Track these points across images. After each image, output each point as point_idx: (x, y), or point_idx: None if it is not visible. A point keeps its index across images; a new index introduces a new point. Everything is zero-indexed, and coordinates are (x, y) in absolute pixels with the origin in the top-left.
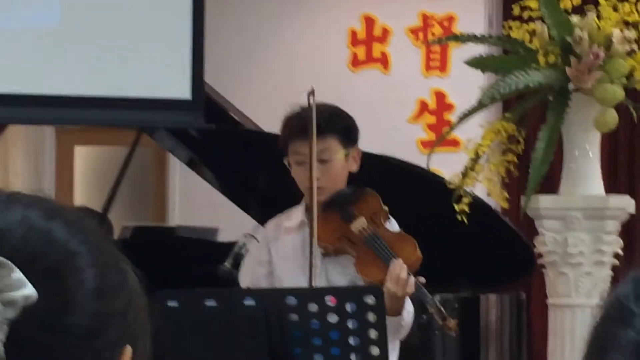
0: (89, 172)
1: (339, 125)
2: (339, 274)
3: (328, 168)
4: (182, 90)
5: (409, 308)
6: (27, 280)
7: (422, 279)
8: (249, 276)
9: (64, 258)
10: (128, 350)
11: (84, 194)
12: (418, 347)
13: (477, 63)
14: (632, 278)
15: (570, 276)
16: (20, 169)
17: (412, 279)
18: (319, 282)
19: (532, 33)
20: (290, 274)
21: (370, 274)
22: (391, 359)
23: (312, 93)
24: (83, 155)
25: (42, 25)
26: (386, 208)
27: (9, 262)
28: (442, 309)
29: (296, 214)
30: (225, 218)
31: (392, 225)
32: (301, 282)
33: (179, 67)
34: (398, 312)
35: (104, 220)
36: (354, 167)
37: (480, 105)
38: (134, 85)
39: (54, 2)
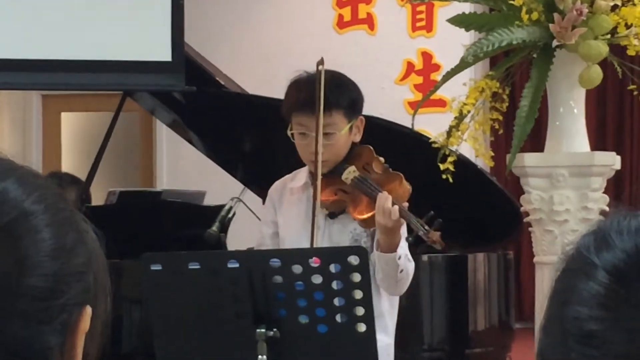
0: (75, 138)
1: (345, 99)
2: (341, 232)
3: (332, 142)
4: (162, 52)
5: (409, 256)
6: None
7: (405, 204)
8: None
9: (19, 218)
10: (88, 310)
11: (71, 160)
12: (406, 308)
13: (459, 21)
14: (592, 229)
15: (557, 234)
16: (7, 137)
17: (395, 207)
18: (323, 242)
19: None
20: (294, 235)
21: (362, 212)
22: (390, 320)
23: (321, 63)
24: (69, 122)
25: None
26: (381, 158)
27: None
28: (425, 224)
29: (301, 176)
30: (213, 182)
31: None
32: (304, 243)
33: (158, 29)
34: (393, 248)
35: (84, 187)
36: (357, 136)
37: (463, 64)
38: (115, 49)
39: None
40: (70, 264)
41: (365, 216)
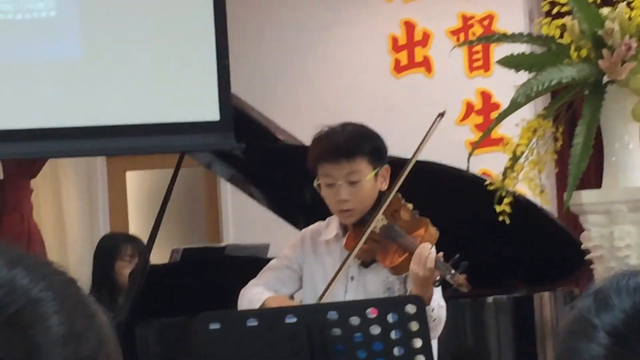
0: (141, 196)
1: (368, 146)
2: (373, 281)
3: (358, 189)
4: (210, 112)
5: (441, 302)
6: None
7: (440, 254)
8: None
9: (28, 306)
10: None
11: (139, 218)
12: (473, 350)
13: (508, 62)
14: (592, 290)
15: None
16: (74, 198)
17: (431, 255)
18: (358, 292)
19: (563, 28)
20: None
21: (392, 260)
22: None
23: (442, 115)
24: (135, 180)
25: (67, 58)
26: (409, 205)
27: None
28: (451, 268)
29: (332, 227)
30: (280, 233)
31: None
32: (339, 293)
33: (206, 90)
34: (426, 300)
35: (147, 247)
36: (384, 185)
37: (515, 105)
38: (164, 111)
39: (74, 36)
40: (81, 349)
41: (395, 264)
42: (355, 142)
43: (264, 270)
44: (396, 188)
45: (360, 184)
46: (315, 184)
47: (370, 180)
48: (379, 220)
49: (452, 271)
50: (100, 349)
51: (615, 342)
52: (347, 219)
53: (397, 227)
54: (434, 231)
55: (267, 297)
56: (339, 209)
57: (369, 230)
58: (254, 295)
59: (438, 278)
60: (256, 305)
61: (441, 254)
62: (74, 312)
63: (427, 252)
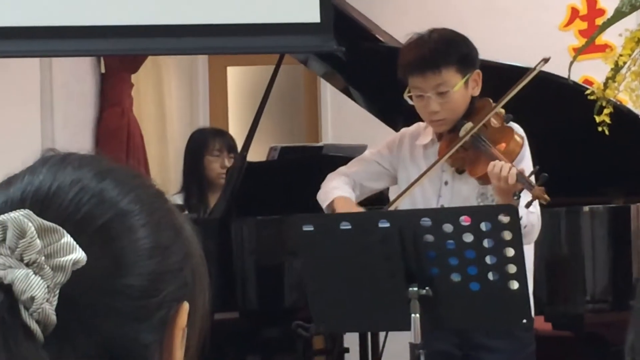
0: (242, 92)
1: (454, 54)
2: (467, 186)
3: (447, 100)
4: (311, 14)
5: (531, 209)
6: (76, 244)
7: (522, 167)
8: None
9: (116, 218)
10: (185, 306)
11: (238, 114)
12: (568, 259)
13: None
14: None
15: None
16: (175, 93)
17: (513, 170)
18: (452, 197)
19: None
20: (422, 190)
21: (478, 172)
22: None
23: (546, 61)
24: (236, 76)
25: None
26: (501, 110)
27: (59, 227)
28: (530, 181)
29: (429, 130)
30: (377, 136)
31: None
32: (432, 197)
33: None
34: None
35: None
36: (476, 90)
37: (619, 14)
38: (266, 12)
39: None
40: (167, 262)
41: (481, 174)
42: (440, 53)
43: (356, 160)
44: (500, 105)
45: (449, 94)
46: (405, 95)
47: (460, 89)
48: (468, 127)
49: (532, 184)
50: (186, 262)
51: None
52: (439, 128)
53: (485, 138)
54: (518, 140)
55: (336, 196)
56: (430, 120)
57: (461, 142)
58: (330, 189)
59: (518, 191)
60: (327, 199)
61: (522, 167)
62: (161, 225)
63: (506, 171)
